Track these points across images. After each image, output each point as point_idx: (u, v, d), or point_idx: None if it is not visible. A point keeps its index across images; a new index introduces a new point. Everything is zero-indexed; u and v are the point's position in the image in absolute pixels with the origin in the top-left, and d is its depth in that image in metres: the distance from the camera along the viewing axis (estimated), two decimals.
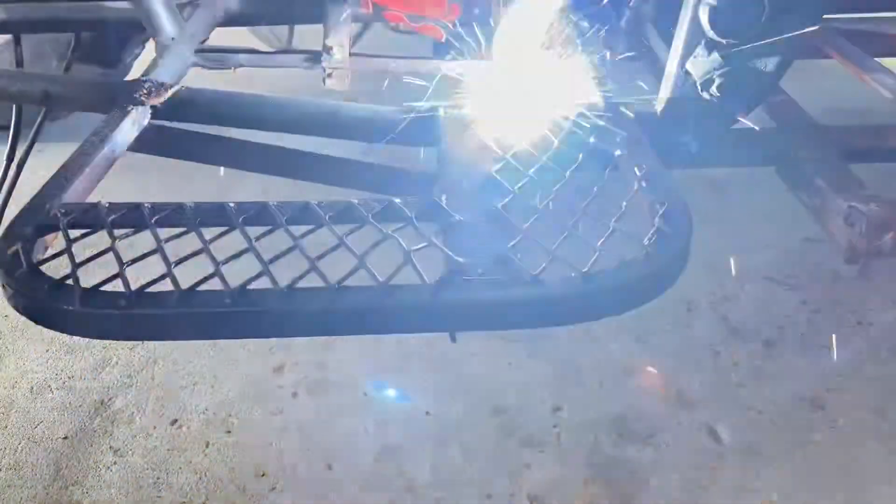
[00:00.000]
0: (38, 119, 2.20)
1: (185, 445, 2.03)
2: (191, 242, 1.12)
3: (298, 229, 1.15)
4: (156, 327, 1.06)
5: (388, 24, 1.81)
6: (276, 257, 1.08)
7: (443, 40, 1.77)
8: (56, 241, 1.18)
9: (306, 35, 2.52)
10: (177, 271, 1.06)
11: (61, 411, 2.14)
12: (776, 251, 2.79)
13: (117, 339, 2.23)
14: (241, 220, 1.17)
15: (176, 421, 2.11)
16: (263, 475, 1.95)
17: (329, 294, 1.03)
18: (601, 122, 1.45)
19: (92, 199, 1.27)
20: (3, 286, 1.07)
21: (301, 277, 1.05)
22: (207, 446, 2.03)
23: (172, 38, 1.86)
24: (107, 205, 1.20)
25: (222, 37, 2.12)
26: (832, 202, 1.44)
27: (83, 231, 1.17)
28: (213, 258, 1.08)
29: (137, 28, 2.14)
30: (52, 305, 1.03)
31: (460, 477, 1.95)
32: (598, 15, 1.71)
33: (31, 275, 1.07)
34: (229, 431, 2.08)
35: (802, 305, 2.55)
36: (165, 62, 1.78)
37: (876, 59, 2.01)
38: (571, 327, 1.11)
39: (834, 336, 2.41)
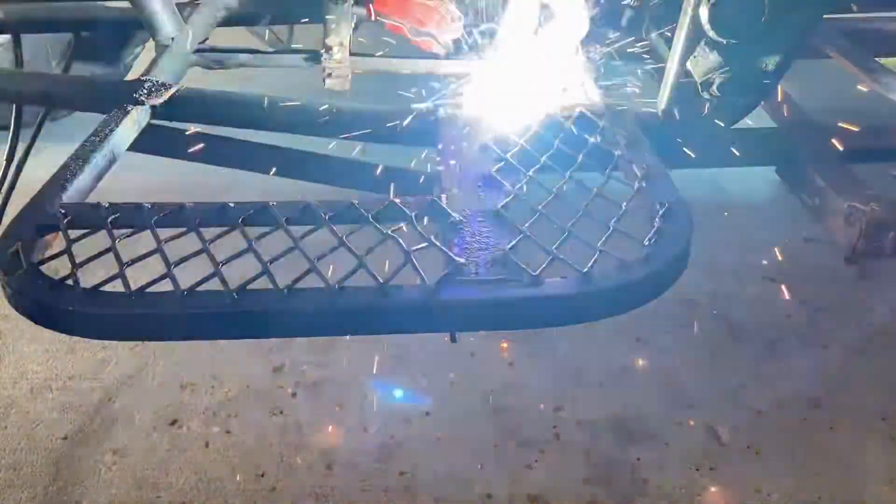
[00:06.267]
0: (38, 119, 2.20)
1: (185, 445, 2.03)
2: (191, 242, 1.13)
3: (298, 229, 1.15)
4: (156, 327, 1.06)
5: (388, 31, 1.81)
6: (276, 257, 1.08)
7: (442, 55, 1.78)
8: (56, 241, 1.18)
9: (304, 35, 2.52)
10: (177, 271, 1.06)
11: (61, 411, 2.14)
12: (776, 251, 2.79)
13: (117, 339, 2.22)
14: (241, 220, 1.17)
15: (176, 421, 2.11)
16: (263, 475, 1.95)
17: (329, 294, 1.03)
18: (601, 122, 1.45)
19: (92, 199, 1.27)
20: (3, 286, 1.07)
21: (301, 278, 1.05)
22: (207, 446, 2.03)
23: (172, 38, 1.86)
24: (107, 205, 1.20)
25: (222, 37, 2.12)
26: (832, 202, 1.44)
27: (83, 231, 1.17)
28: (212, 258, 1.08)
29: (137, 28, 2.13)
30: (52, 305, 1.03)
31: (460, 477, 1.95)
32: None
33: (31, 275, 1.06)
34: (229, 431, 2.08)
35: (802, 305, 2.55)
36: (165, 62, 1.78)
37: (876, 58, 2.01)
38: (571, 327, 1.10)
39: (834, 336, 2.41)
